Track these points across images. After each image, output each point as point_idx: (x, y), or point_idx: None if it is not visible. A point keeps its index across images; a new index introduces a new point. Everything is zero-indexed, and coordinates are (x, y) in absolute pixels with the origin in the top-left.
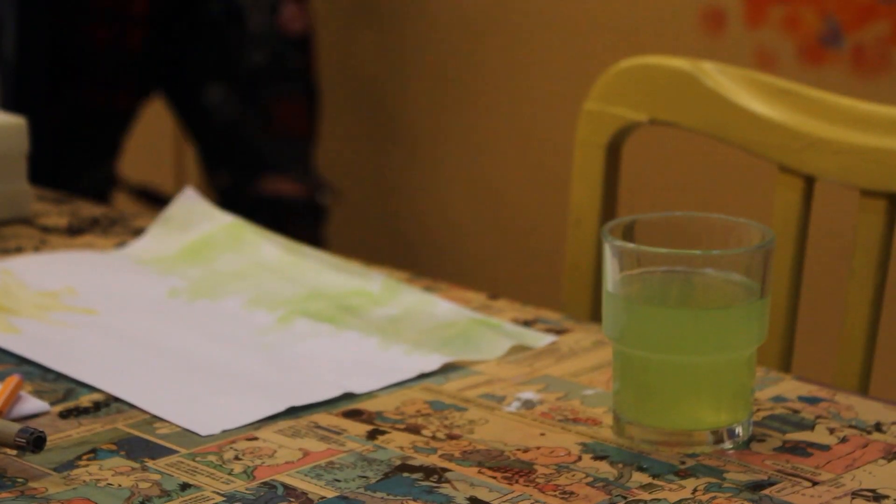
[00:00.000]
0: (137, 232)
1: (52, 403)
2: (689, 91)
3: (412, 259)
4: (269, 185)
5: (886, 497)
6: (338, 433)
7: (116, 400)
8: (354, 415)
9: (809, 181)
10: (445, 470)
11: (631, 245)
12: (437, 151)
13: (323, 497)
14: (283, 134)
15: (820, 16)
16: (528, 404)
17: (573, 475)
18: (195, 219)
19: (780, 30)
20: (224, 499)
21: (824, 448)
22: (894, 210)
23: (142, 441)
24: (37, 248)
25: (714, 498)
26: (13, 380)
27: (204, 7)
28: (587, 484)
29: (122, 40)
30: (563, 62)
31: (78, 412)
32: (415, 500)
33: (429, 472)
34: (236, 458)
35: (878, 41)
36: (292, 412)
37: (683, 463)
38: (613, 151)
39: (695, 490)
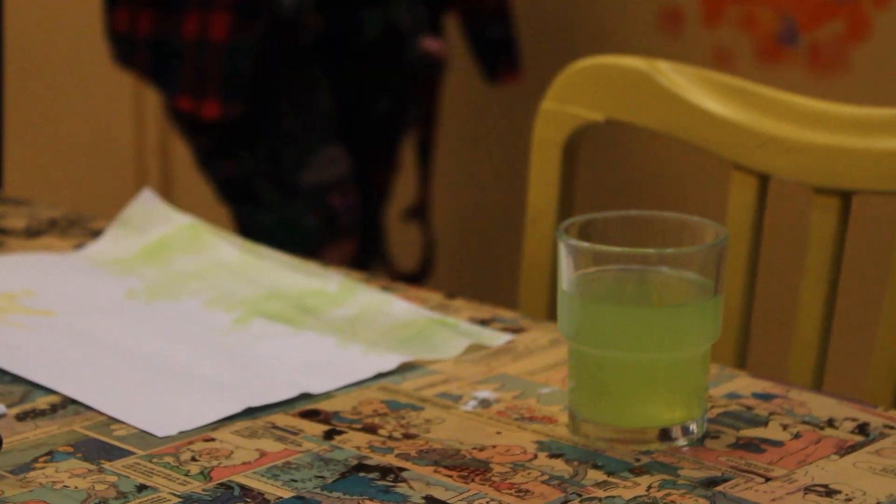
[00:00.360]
0: (96, 233)
1: (9, 406)
2: (645, 90)
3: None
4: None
5: (839, 492)
6: (294, 433)
7: (73, 402)
8: (311, 415)
9: (764, 179)
10: (402, 469)
11: (586, 244)
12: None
13: (279, 497)
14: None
15: (777, 15)
16: (484, 403)
17: (529, 473)
18: (153, 220)
19: (737, 29)
20: (181, 500)
21: (778, 444)
22: (847, 207)
23: (98, 443)
24: None
25: (668, 495)
26: None
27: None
28: (542, 482)
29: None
30: (522, 61)
31: (35, 414)
32: (371, 499)
33: (385, 471)
34: (193, 459)
35: (833, 40)
36: (249, 413)
37: (638, 460)
38: (570, 150)
39: (649, 487)
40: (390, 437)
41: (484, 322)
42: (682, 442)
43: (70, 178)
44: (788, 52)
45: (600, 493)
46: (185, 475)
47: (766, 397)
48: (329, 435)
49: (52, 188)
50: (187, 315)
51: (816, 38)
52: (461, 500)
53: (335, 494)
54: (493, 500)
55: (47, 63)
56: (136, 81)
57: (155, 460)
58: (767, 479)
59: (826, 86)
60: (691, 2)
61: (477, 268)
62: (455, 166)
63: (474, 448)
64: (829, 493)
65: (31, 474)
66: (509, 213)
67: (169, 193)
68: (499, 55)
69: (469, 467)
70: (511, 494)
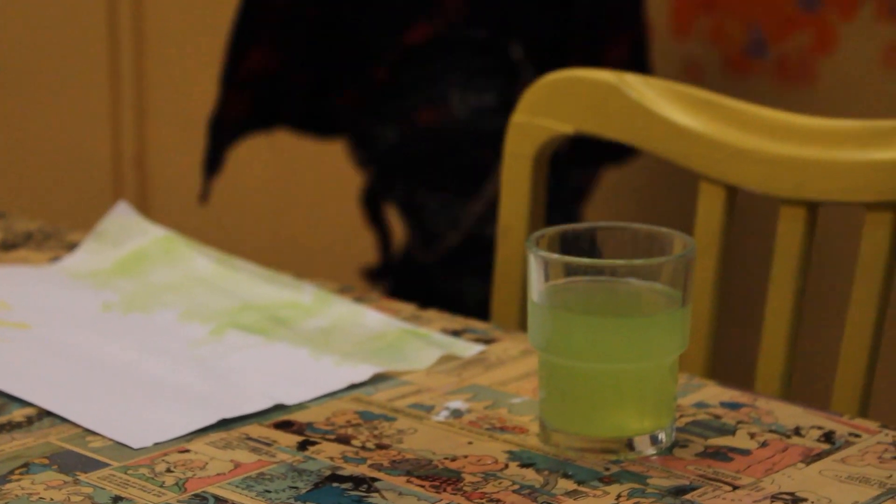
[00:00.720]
0: (71, 246)
1: None
2: (614, 103)
3: (342, 272)
4: None
5: (805, 500)
6: (268, 444)
7: (49, 414)
8: (285, 426)
9: (731, 190)
10: (375, 479)
11: (555, 255)
12: None
13: None
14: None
15: (744, 27)
16: (456, 413)
17: (500, 483)
18: (128, 232)
19: (706, 41)
20: None
21: (745, 452)
22: (813, 218)
23: (74, 455)
24: None
25: (637, 503)
26: None
27: None
28: (514, 491)
29: None
30: None
31: (10, 427)
32: None
33: (358, 481)
34: (168, 470)
35: (800, 51)
36: (224, 424)
37: (608, 469)
38: (540, 162)
39: (619, 496)
40: (363, 448)
41: (456, 333)
42: (651, 451)
43: (46, 191)
44: (757, 64)
45: (571, 502)
46: (161, 486)
47: (733, 406)
48: (303, 446)
49: (28, 200)
50: (162, 327)
51: (784, 50)
52: None
53: None
54: None
55: (22, 75)
56: (111, 92)
57: (130, 472)
58: (735, 488)
59: (793, 97)
60: (661, 15)
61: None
62: None
63: (446, 458)
64: (796, 500)
65: (7, 486)
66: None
67: (145, 205)
68: None
69: (441, 477)
70: None
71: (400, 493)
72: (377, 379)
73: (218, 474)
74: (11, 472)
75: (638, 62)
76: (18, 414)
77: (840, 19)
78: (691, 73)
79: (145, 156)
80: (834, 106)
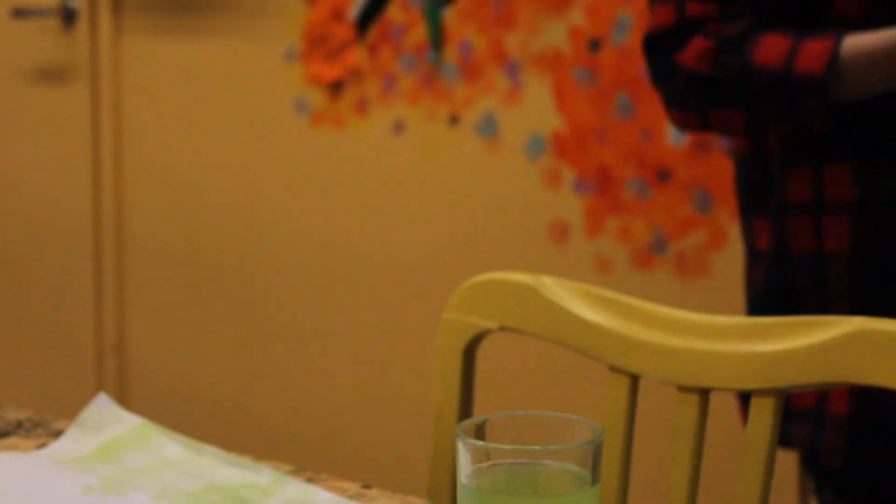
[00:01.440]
0: (57, 433)
1: None
2: (532, 302)
3: (296, 452)
4: None
5: None
6: None
7: None
8: None
9: (634, 379)
10: None
11: (481, 443)
12: (323, 355)
13: None
14: None
15: (648, 227)
16: None
17: None
18: (107, 421)
19: (615, 239)
20: None
21: None
22: (706, 403)
23: None
24: None
25: None
26: None
27: None
28: None
29: None
30: (424, 277)
31: None
32: None
33: None
34: None
35: (697, 249)
36: None
37: None
38: (469, 355)
39: None
40: None
41: None
42: None
43: (35, 381)
44: (659, 260)
45: None
46: None
47: None
48: None
49: (18, 390)
50: None
51: (682, 247)
52: None
53: None
54: None
55: (7, 274)
56: (95, 285)
57: None
58: None
59: (691, 289)
60: (576, 215)
61: (392, 458)
62: (371, 369)
63: None
64: None
65: None
66: (418, 410)
67: (125, 391)
68: None
69: None
70: None
71: None
72: None
73: None
74: None
75: None
76: None
77: (730, 219)
78: (602, 268)
79: (124, 345)
80: (727, 296)
